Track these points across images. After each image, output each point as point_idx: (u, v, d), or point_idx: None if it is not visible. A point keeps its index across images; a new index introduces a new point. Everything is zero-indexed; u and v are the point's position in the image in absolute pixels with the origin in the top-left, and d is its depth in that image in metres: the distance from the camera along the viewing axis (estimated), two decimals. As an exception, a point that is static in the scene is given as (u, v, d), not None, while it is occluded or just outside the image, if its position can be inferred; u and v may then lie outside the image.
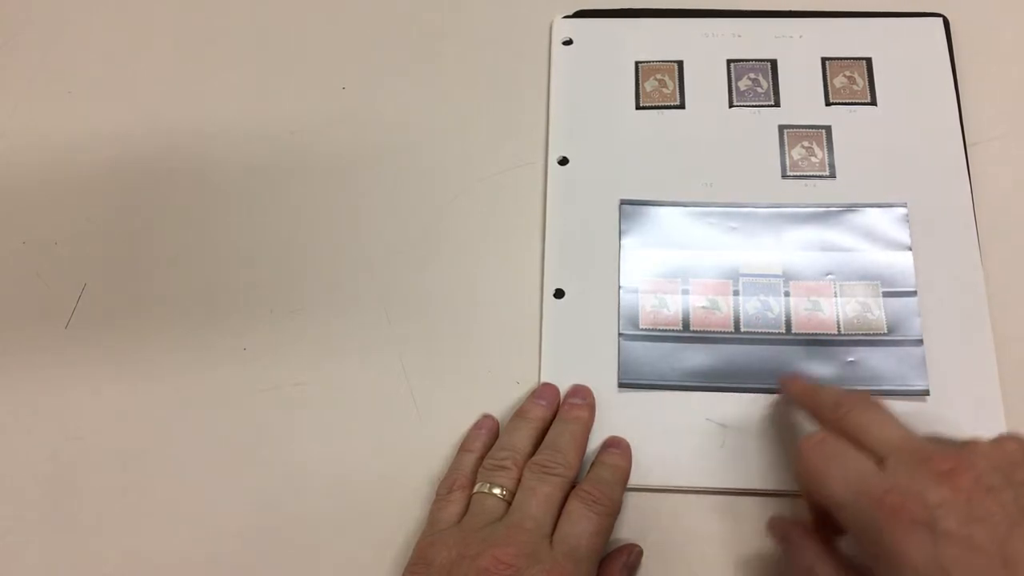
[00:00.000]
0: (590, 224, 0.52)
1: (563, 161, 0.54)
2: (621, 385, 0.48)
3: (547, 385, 0.48)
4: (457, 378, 0.49)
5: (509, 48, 0.58)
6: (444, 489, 0.45)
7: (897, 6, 0.56)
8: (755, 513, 0.45)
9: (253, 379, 0.50)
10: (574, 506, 0.42)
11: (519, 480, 0.43)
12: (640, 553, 0.44)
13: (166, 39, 0.60)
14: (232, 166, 0.56)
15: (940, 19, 0.56)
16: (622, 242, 0.51)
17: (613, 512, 0.43)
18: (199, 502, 0.47)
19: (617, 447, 0.46)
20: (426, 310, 0.51)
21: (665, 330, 0.49)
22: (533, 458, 0.44)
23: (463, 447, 0.47)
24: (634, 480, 0.46)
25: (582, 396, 0.47)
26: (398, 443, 0.48)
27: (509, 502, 0.42)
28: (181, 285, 0.53)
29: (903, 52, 0.55)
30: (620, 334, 0.49)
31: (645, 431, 0.47)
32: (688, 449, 0.46)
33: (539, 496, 0.42)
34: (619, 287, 0.50)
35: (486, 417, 0.48)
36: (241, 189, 0.55)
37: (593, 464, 0.46)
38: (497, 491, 0.43)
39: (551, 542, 0.41)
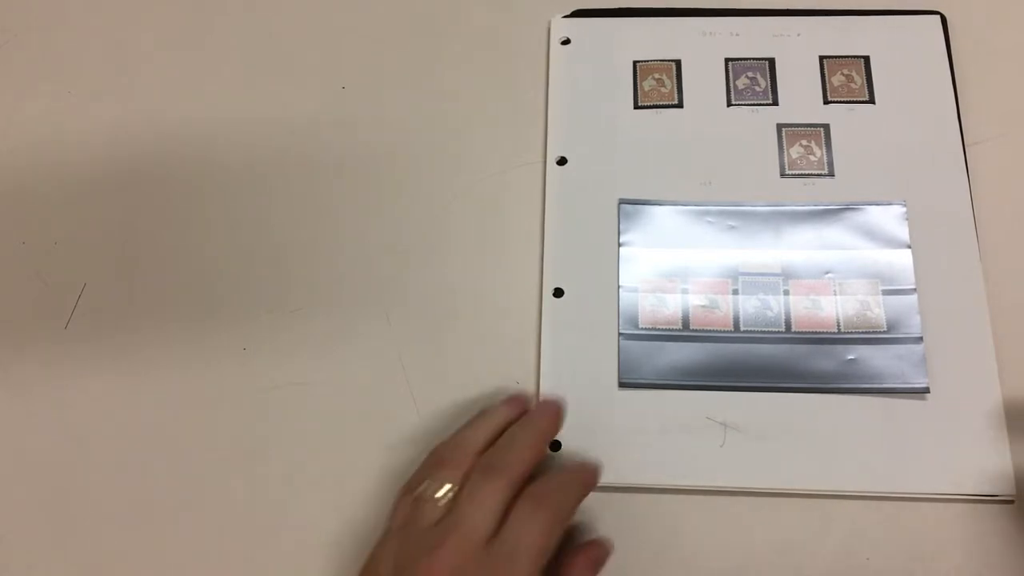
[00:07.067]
0: (589, 223, 0.52)
1: (562, 161, 0.54)
2: (621, 384, 0.48)
3: (518, 394, 0.47)
4: (457, 378, 0.49)
5: (507, 48, 0.58)
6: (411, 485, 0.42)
7: (895, 4, 0.56)
8: (755, 513, 0.45)
9: (253, 379, 0.50)
10: (520, 507, 0.39)
11: (467, 478, 0.41)
12: (609, 550, 0.42)
13: (166, 39, 0.60)
14: (232, 166, 0.56)
15: (938, 17, 0.56)
16: (621, 241, 0.51)
17: (562, 516, 0.40)
18: (199, 502, 0.48)
19: (573, 469, 0.44)
20: (426, 310, 0.51)
21: (665, 329, 0.49)
22: (482, 456, 0.42)
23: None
24: (634, 479, 0.46)
25: (548, 407, 0.45)
26: (398, 443, 0.48)
27: (454, 501, 0.40)
28: (181, 285, 0.53)
29: (901, 50, 0.55)
30: (620, 333, 0.49)
31: (645, 431, 0.47)
32: (688, 448, 0.46)
33: (480, 496, 0.39)
34: (618, 286, 0.50)
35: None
36: (241, 189, 0.55)
37: (550, 468, 0.44)
38: (441, 491, 0.40)
39: (491, 545, 0.38)
